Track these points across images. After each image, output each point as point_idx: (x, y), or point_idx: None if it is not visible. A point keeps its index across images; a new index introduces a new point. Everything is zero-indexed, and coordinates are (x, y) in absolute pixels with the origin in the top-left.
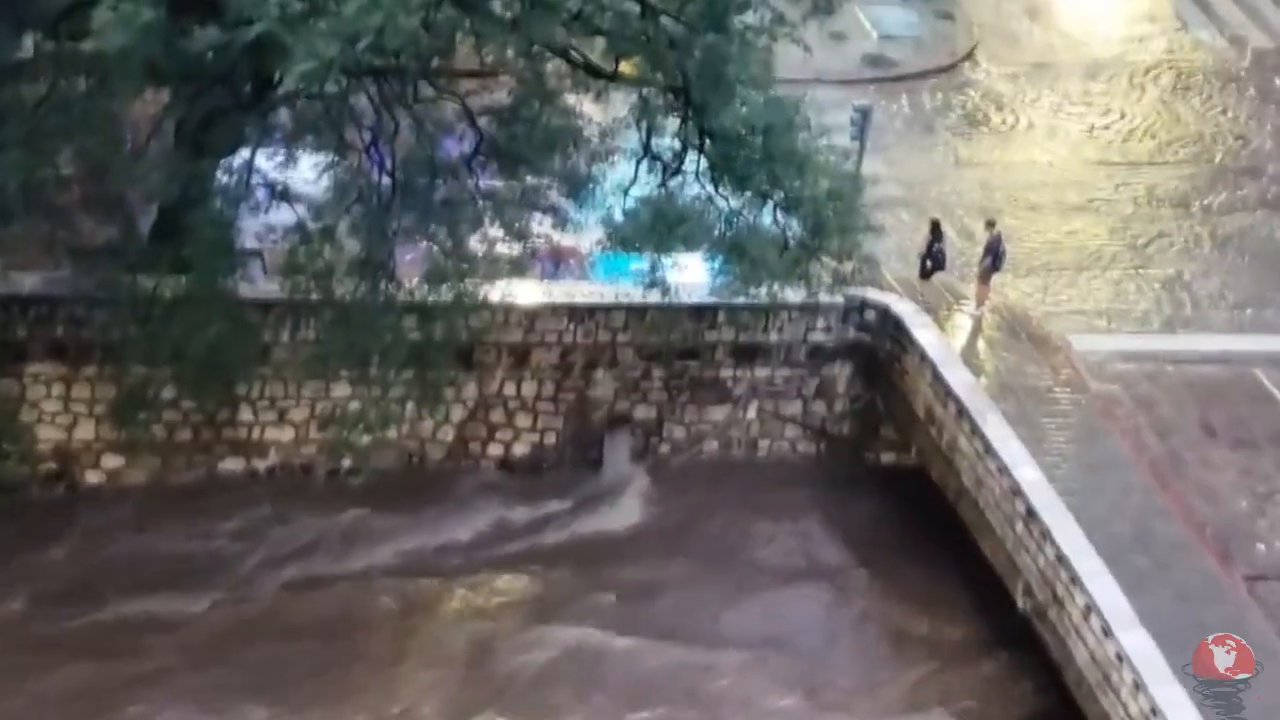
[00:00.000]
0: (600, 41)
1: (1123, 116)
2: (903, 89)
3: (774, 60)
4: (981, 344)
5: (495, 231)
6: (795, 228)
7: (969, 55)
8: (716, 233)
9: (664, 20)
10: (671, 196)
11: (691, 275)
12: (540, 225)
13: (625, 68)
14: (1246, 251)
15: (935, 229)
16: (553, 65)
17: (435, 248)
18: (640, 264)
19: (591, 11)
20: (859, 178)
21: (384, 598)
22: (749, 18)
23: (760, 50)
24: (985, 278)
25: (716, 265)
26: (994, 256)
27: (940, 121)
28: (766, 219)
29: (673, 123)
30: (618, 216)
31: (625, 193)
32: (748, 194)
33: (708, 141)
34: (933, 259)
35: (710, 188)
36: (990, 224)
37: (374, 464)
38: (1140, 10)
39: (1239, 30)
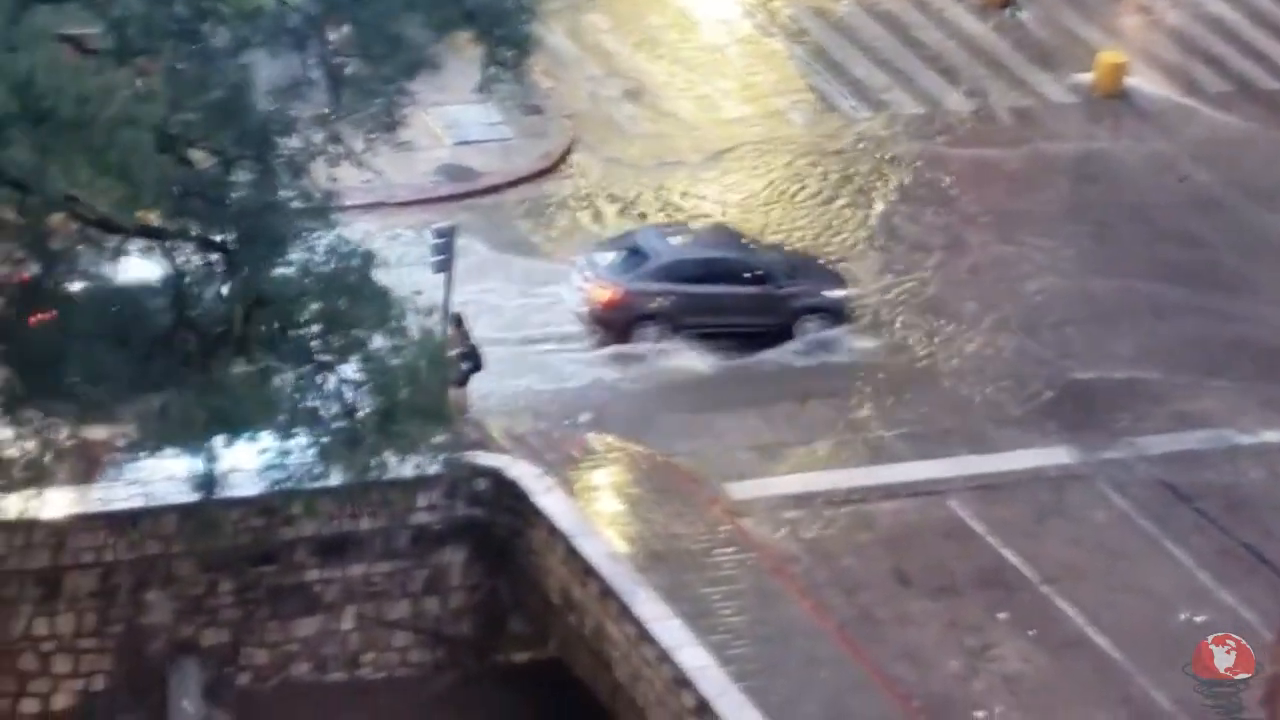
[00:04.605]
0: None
1: (754, 208)
2: (492, 202)
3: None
4: (621, 504)
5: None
6: (366, 404)
7: (566, 155)
8: (274, 414)
9: (193, 154)
10: (213, 375)
11: (253, 462)
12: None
13: (149, 217)
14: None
15: (459, 323)
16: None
17: None
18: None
19: (104, 145)
20: (446, 318)
21: None
22: (294, 141)
23: (316, 183)
24: (461, 382)
25: (277, 451)
26: (467, 357)
27: (535, 239)
28: (332, 393)
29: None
30: (148, 406)
31: (155, 382)
32: (308, 367)
33: (258, 306)
34: (468, 359)
35: (265, 359)
36: (457, 321)
37: None
38: (766, 84)
39: (883, 96)
